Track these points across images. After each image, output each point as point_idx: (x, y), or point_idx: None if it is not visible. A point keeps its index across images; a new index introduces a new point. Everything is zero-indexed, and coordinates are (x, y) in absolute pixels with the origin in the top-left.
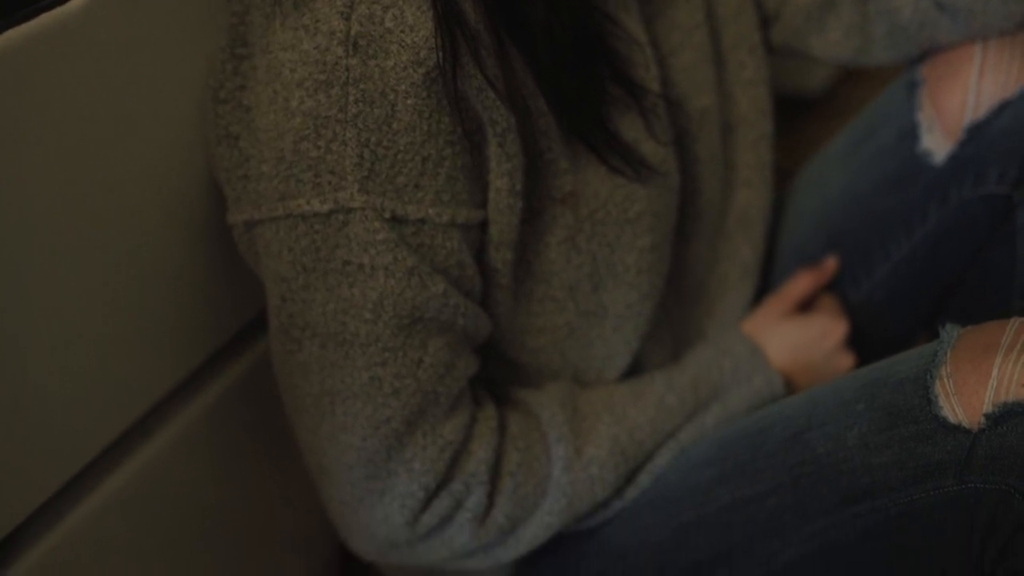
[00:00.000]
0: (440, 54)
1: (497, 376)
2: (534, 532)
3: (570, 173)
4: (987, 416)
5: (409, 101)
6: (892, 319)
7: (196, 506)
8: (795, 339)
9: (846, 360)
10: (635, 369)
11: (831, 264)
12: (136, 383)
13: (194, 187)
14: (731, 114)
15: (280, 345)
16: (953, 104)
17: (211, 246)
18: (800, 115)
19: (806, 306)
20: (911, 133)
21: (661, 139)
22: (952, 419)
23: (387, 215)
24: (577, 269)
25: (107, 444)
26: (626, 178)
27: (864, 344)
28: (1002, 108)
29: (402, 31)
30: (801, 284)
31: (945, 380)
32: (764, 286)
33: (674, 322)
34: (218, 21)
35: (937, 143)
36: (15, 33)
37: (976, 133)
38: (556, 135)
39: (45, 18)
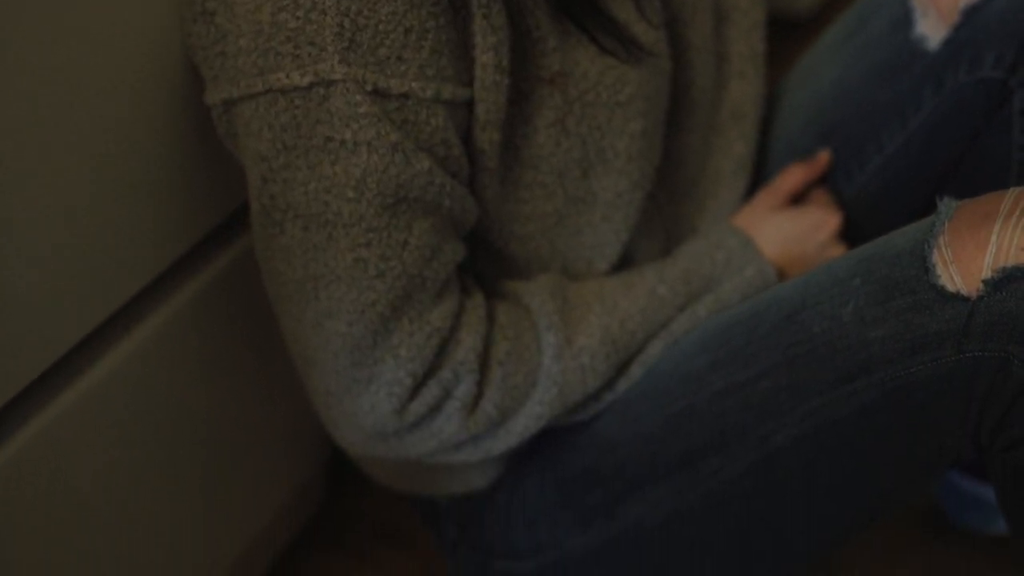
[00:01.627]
0: None
1: (486, 270)
2: (524, 423)
3: (559, 52)
4: (986, 282)
5: None
6: (886, 212)
7: (178, 404)
8: (788, 231)
9: (839, 252)
10: (626, 263)
11: (824, 157)
12: (115, 274)
13: (170, 70)
14: (723, 2)
15: (262, 229)
16: None
17: (191, 133)
18: (789, 39)
19: (799, 200)
20: (904, 20)
21: (652, 21)
22: (950, 287)
23: (369, 88)
24: (566, 153)
25: (85, 335)
26: (617, 59)
27: (858, 238)
28: None
29: None
30: (793, 177)
31: (943, 249)
32: (756, 182)
33: (666, 217)
34: None
35: (932, 28)
36: None
37: (972, 16)
38: (544, 12)
39: None
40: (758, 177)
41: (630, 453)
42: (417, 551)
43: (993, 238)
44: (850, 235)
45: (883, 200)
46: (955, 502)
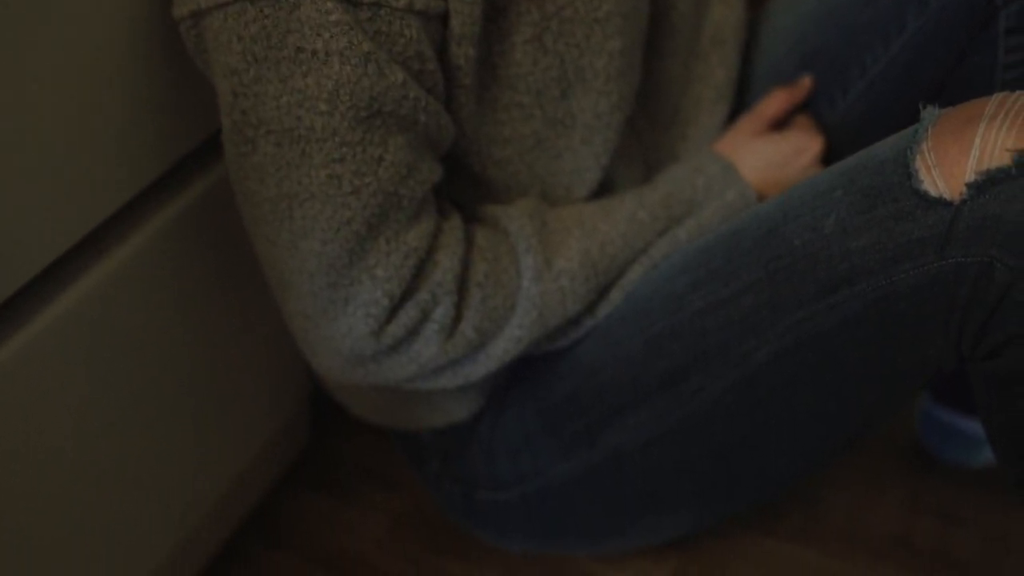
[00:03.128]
0: None
1: (464, 195)
2: (504, 346)
3: None
4: (969, 185)
5: None
6: (869, 137)
7: (154, 336)
8: (769, 155)
9: None
10: (605, 191)
11: (806, 81)
12: (86, 197)
13: None
14: None
15: (234, 148)
16: None
17: (160, 53)
18: None
19: (781, 125)
20: None
21: None
22: (933, 192)
23: None
24: (544, 72)
25: (55, 259)
26: None
27: None
28: None
29: None
30: (775, 102)
31: (926, 154)
32: (738, 108)
33: (646, 144)
34: None
35: None
36: None
37: None
38: None
39: None
40: (740, 103)
41: (611, 377)
42: (402, 490)
43: (976, 140)
44: (833, 160)
45: (867, 124)
46: (937, 437)
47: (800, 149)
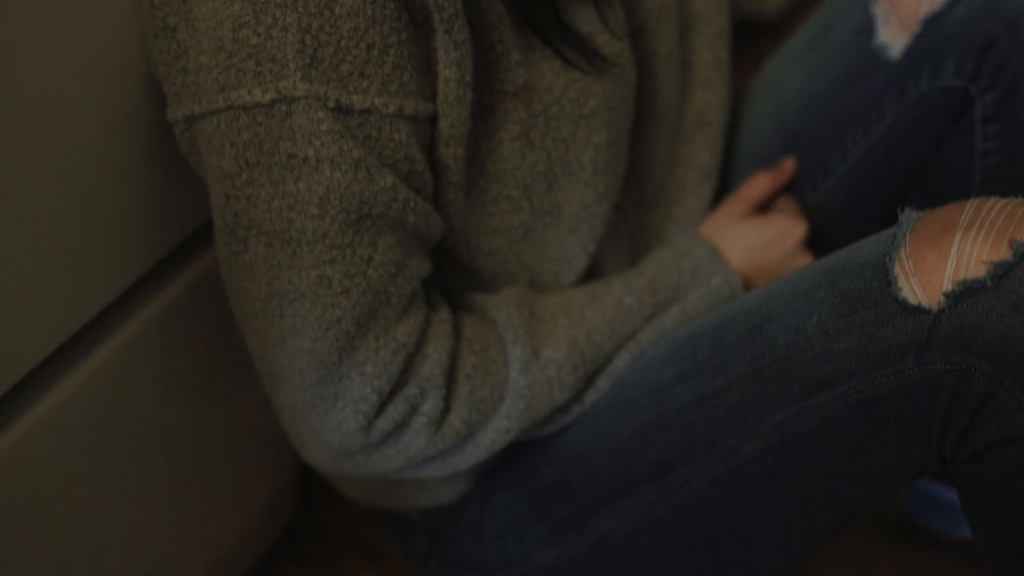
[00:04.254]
0: None
1: (453, 284)
2: (492, 437)
3: (523, 66)
4: (947, 295)
5: None
6: (851, 220)
7: (145, 421)
8: (754, 240)
9: (805, 260)
10: (592, 274)
11: (789, 165)
12: (79, 291)
13: (130, 85)
14: (688, 11)
15: (226, 247)
16: None
17: (155, 149)
18: (756, 42)
19: (764, 208)
20: (866, 28)
21: (617, 32)
22: (912, 300)
23: (331, 104)
24: (532, 167)
25: (46, 356)
26: (581, 71)
27: (824, 246)
28: None
29: None
30: (759, 185)
31: (904, 261)
32: (722, 189)
33: (632, 227)
34: None
35: (893, 36)
36: None
37: (932, 25)
38: (508, 26)
39: None
40: (724, 184)
41: (599, 465)
42: (389, 565)
43: (953, 250)
44: (816, 243)
45: (848, 207)
46: (924, 507)
47: (784, 234)
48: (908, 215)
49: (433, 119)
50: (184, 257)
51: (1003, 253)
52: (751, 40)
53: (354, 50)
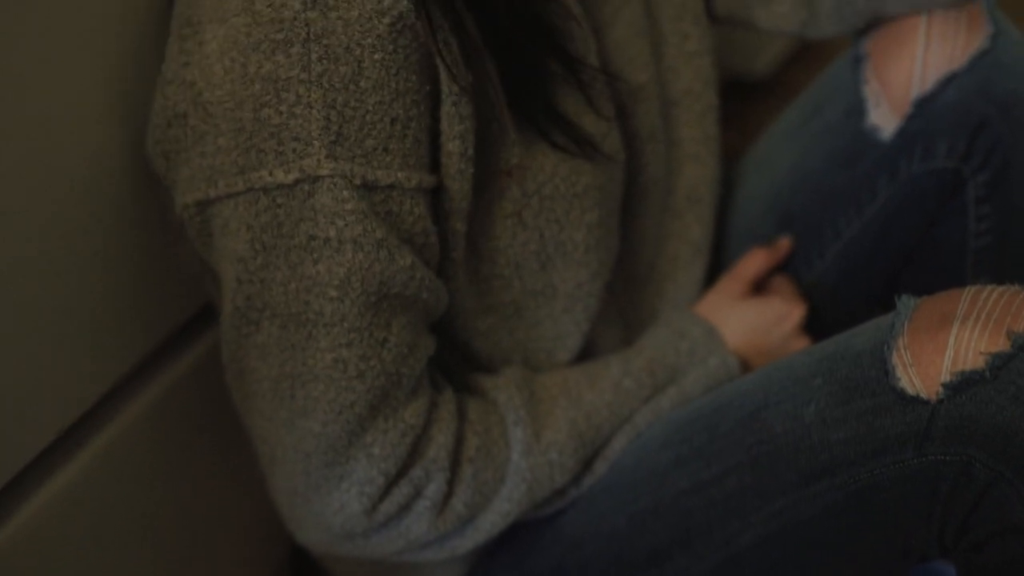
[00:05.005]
0: (407, 1)
1: (452, 364)
2: (492, 520)
3: (518, 145)
4: (945, 386)
5: (376, 56)
6: (846, 298)
7: (140, 512)
8: (752, 321)
9: (802, 343)
10: (586, 352)
11: (784, 243)
12: (69, 385)
13: (126, 181)
14: (674, 88)
15: (234, 329)
16: (899, 78)
17: (148, 240)
18: (747, 99)
19: (760, 286)
20: (857, 109)
21: (603, 112)
22: (910, 391)
23: (357, 182)
24: (523, 246)
25: (43, 448)
26: (569, 153)
27: (819, 324)
28: (949, 80)
29: None
30: (755, 263)
31: (902, 351)
32: (716, 266)
33: (624, 304)
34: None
35: (884, 118)
36: None
37: (923, 107)
38: (506, 105)
39: None
40: (717, 260)
41: (595, 551)
42: None
43: (951, 341)
44: (811, 320)
45: (843, 286)
46: None
47: (782, 316)
48: (905, 303)
49: (435, 192)
50: (177, 345)
51: (1001, 344)
52: (742, 99)
53: (379, 124)
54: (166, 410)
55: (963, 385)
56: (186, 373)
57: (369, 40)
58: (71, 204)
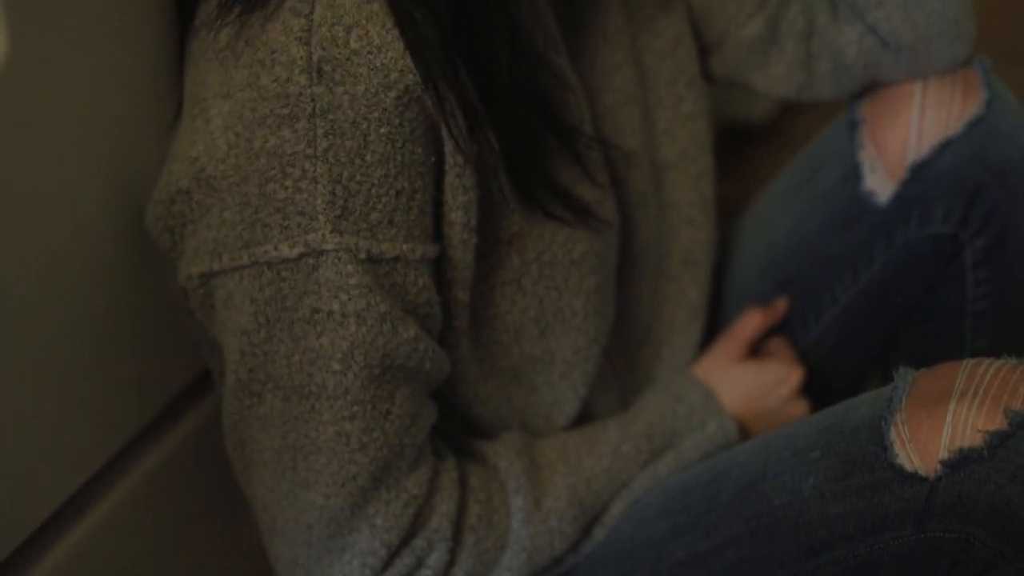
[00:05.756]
0: (412, 75)
1: (453, 431)
2: None
3: (518, 214)
4: (943, 463)
5: (382, 130)
6: (843, 360)
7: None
8: (749, 385)
9: (800, 407)
10: (584, 416)
11: (781, 305)
12: (70, 454)
13: (127, 252)
14: (669, 151)
15: (236, 401)
16: (895, 143)
17: (146, 309)
18: (745, 146)
19: (756, 348)
20: (854, 174)
21: (598, 180)
22: (908, 467)
23: (362, 256)
24: (522, 313)
25: (44, 519)
26: (565, 223)
27: (816, 386)
28: (944, 147)
29: (369, 52)
30: (751, 324)
31: (900, 427)
32: (713, 327)
33: (620, 368)
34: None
35: (880, 183)
36: None
37: (919, 172)
38: (506, 175)
39: None
40: (714, 321)
41: None
42: None
43: (949, 418)
44: (808, 382)
45: (840, 348)
46: None
47: (780, 380)
48: (903, 375)
49: (438, 261)
50: (170, 417)
51: (998, 422)
52: (740, 146)
53: (384, 197)
54: (164, 480)
55: (961, 463)
56: (184, 442)
57: (375, 114)
58: (70, 274)
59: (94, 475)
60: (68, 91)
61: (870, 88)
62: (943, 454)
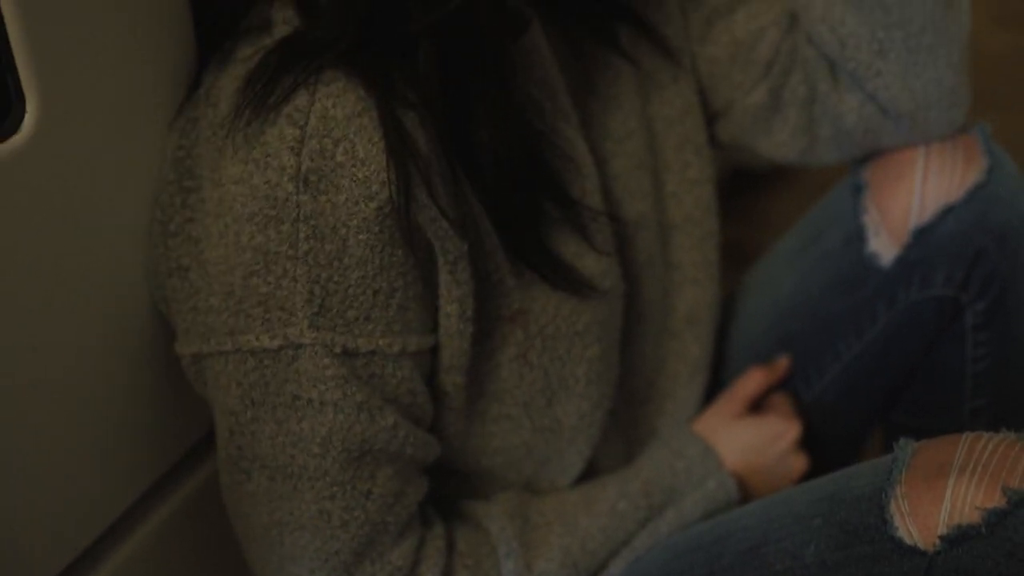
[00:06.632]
0: (392, 188)
1: (448, 490)
2: None
3: (518, 291)
4: (942, 539)
5: (361, 236)
6: (844, 417)
7: None
8: (748, 440)
9: (799, 462)
10: (588, 474)
11: (783, 363)
12: (75, 516)
13: (139, 316)
14: (675, 214)
15: (228, 476)
16: (898, 208)
17: (158, 373)
18: (750, 188)
19: (758, 405)
20: (857, 236)
21: (602, 249)
22: (907, 540)
23: (338, 350)
24: (530, 385)
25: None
26: (568, 294)
27: (817, 442)
28: (947, 212)
29: (353, 165)
30: (752, 382)
31: (900, 500)
32: (716, 385)
33: (625, 423)
34: (165, 154)
35: (884, 246)
36: None
37: (922, 237)
38: (502, 255)
39: None
40: (718, 377)
41: None
42: None
43: (948, 493)
44: (809, 439)
45: (841, 405)
46: None
47: (779, 434)
48: (903, 447)
49: (434, 349)
50: (185, 468)
51: (997, 499)
52: (747, 190)
53: (361, 296)
54: (168, 541)
55: (960, 539)
56: (189, 502)
57: (355, 222)
58: (85, 338)
59: (101, 535)
60: (92, 161)
61: (873, 153)
62: (942, 529)
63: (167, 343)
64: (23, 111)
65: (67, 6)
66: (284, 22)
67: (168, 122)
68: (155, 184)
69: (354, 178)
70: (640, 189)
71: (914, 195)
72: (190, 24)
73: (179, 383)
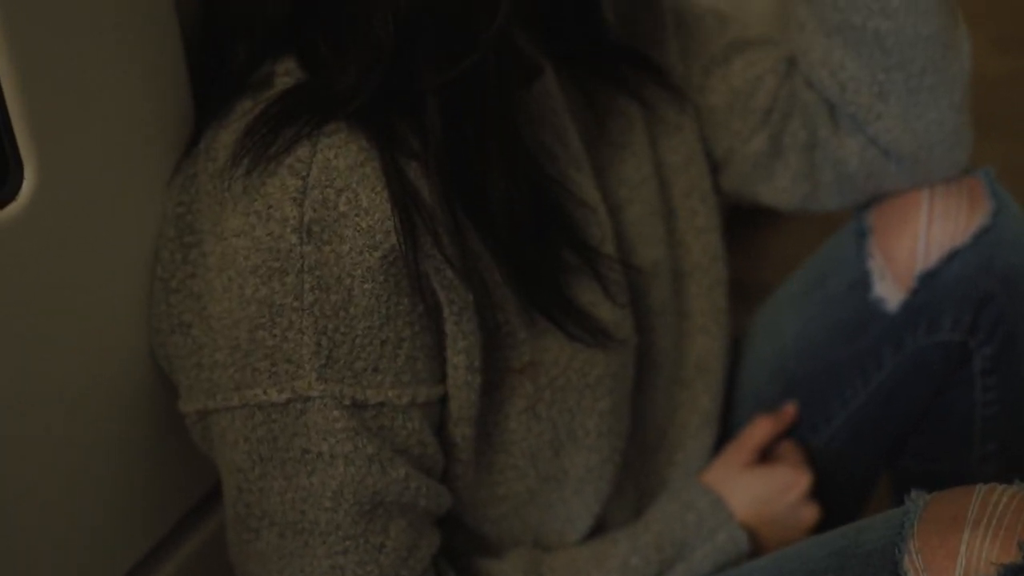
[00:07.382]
0: (398, 236)
1: (458, 547)
2: None
3: (528, 343)
4: None
5: (366, 286)
6: (852, 463)
7: None
8: (758, 491)
9: (810, 512)
10: (599, 527)
11: (790, 410)
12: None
13: (143, 376)
14: (684, 262)
15: (237, 535)
16: (903, 253)
17: (160, 433)
18: (750, 223)
19: (766, 453)
20: (862, 281)
21: (618, 300)
22: None
23: (347, 402)
24: (538, 437)
25: None
26: (585, 344)
27: (826, 488)
28: (952, 256)
29: (356, 215)
30: (760, 431)
31: (914, 555)
32: (724, 432)
33: (636, 473)
34: (165, 213)
35: (889, 291)
36: None
37: (928, 281)
38: (513, 306)
39: None
40: (725, 426)
41: None
42: None
43: (962, 549)
44: (818, 485)
45: (849, 452)
46: None
47: (789, 485)
48: (915, 500)
49: (443, 399)
50: (191, 523)
51: (1012, 555)
52: (745, 224)
53: (368, 347)
54: None
55: None
56: (192, 560)
57: (359, 272)
58: (87, 398)
59: None
60: (91, 225)
61: (877, 198)
62: None
63: (169, 403)
64: (21, 177)
65: (65, 72)
66: (286, 73)
67: (166, 181)
68: (155, 243)
69: (358, 228)
70: (655, 235)
71: (919, 239)
72: (187, 84)
73: (181, 443)
